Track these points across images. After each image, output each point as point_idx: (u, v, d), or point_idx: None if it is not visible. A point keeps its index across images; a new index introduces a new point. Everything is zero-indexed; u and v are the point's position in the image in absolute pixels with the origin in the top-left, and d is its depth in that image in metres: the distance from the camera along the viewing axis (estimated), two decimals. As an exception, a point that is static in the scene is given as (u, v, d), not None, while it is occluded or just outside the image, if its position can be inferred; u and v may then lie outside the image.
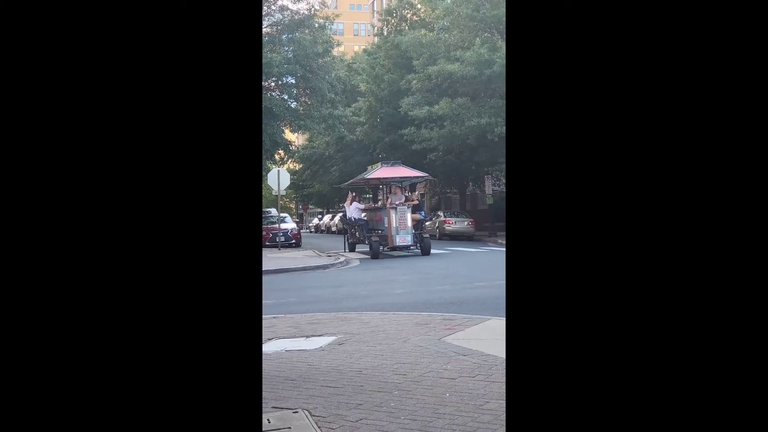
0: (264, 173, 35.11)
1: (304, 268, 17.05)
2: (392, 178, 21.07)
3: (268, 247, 27.61)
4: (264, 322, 8.06)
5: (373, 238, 19.84)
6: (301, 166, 59.36)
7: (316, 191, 58.99)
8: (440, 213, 31.81)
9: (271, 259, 20.99)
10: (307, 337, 7.00)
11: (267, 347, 6.50)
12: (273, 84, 29.66)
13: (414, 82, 32.02)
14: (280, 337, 7.02)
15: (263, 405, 3.56)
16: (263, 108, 29.47)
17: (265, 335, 7.13)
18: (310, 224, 64.28)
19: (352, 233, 22.56)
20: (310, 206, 72.73)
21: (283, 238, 28.02)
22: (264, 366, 5.65)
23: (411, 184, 29.00)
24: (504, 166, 25.77)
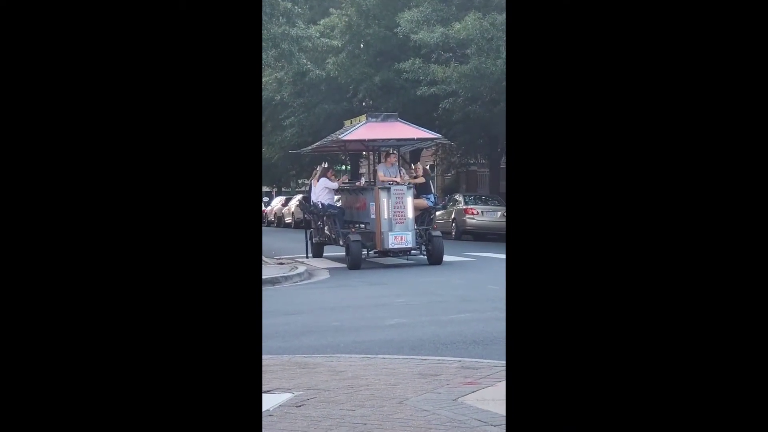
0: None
1: (240, 283, 17.20)
2: (384, 140, 21.08)
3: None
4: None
5: (352, 237, 19.92)
6: (236, 117, 59.71)
7: (262, 159, 59.25)
8: (459, 197, 31.59)
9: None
10: (247, 393, 7.12)
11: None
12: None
13: (421, -15, 32.16)
14: (203, 394, 7.16)
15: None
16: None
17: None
18: (251, 212, 64.54)
19: (318, 228, 22.66)
20: (251, 183, 72.93)
21: (206, 234, 28.10)
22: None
23: (413, 152, 28.97)
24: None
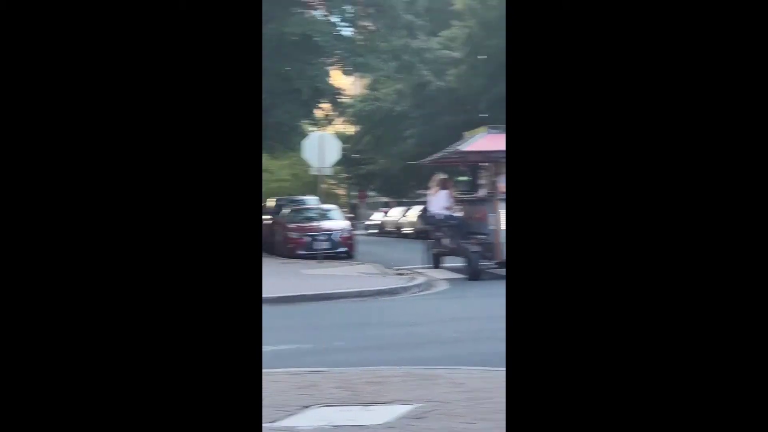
0: (299, 138, 35.65)
1: (359, 294, 17.24)
2: (503, 151, 20.89)
3: (302, 257, 27.88)
4: (297, 379, 8.17)
5: (473, 248, 19.82)
6: (357, 128, 59.74)
7: (381, 170, 59.31)
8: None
9: (306, 277, 21.27)
10: (366, 405, 7.10)
11: (303, 419, 6.64)
12: (316, -2, 29.94)
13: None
14: (323, 404, 7.16)
15: None
16: (298, 37, 29.71)
17: (299, 399, 7.23)
18: (370, 222, 64.75)
19: (437, 238, 22.62)
20: (370, 193, 73.28)
21: (326, 245, 28.23)
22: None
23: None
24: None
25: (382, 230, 56.43)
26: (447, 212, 21.50)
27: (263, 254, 30.84)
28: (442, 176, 22.70)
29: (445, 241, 21.88)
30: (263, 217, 36.55)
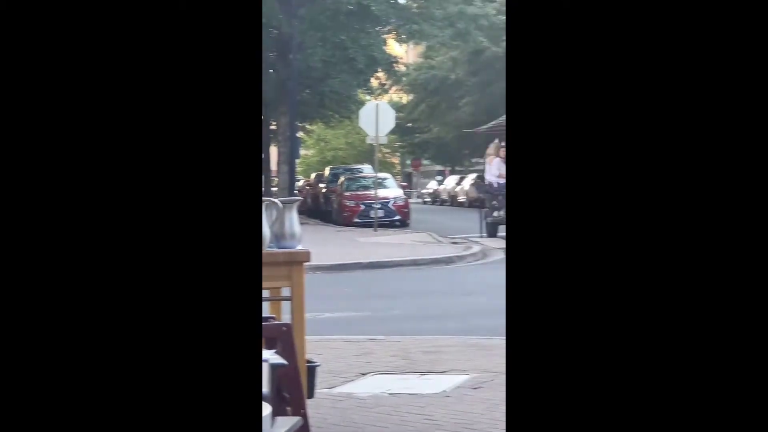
0: (354, 107, 35.62)
1: (414, 262, 17.24)
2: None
3: (357, 225, 28.00)
4: (354, 347, 8.20)
5: (528, 217, 19.67)
6: (411, 97, 59.64)
7: (435, 138, 59.16)
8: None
9: (362, 245, 21.29)
10: (423, 374, 7.09)
11: (360, 386, 6.65)
12: (371, -35, 29.79)
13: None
14: (380, 372, 7.16)
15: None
16: (354, 6, 29.64)
17: (356, 366, 7.26)
18: (425, 190, 64.73)
19: (493, 207, 22.53)
20: (425, 162, 73.13)
21: (381, 213, 28.23)
22: (354, 417, 5.77)
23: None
24: None
25: (437, 199, 56.36)
26: (502, 181, 21.36)
27: (319, 222, 31.15)
28: (498, 144, 22.57)
29: (501, 210, 21.78)
30: (319, 185, 36.76)
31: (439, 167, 71.03)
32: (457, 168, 63.13)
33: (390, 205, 29.09)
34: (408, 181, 69.43)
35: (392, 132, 32.58)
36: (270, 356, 3.56)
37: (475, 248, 19.46)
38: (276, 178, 34.21)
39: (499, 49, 35.36)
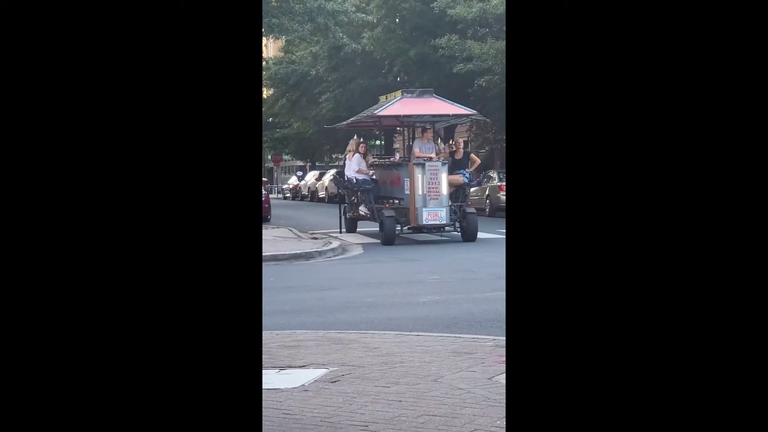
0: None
1: (274, 257, 17.22)
2: (419, 116, 21.02)
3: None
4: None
5: (386, 212, 19.89)
6: (271, 92, 59.25)
7: (295, 133, 59.03)
8: (493, 174, 31.50)
9: (221, 240, 21.16)
10: (281, 368, 7.13)
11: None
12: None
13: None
14: (237, 368, 7.14)
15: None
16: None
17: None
18: (285, 186, 64.60)
19: (352, 203, 22.66)
20: (285, 157, 73.03)
21: (241, 208, 28.15)
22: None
23: (448, 127, 28.90)
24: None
25: (297, 194, 56.34)
26: (362, 176, 21.51)
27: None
28: (357, 140, 22.70)
29: (360, 206, 21.93)
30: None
31: (299, 163, 71.05)
32: (318, 164, 63.21)
33: (250, 200, 28.91)
34: (268, 177, 69.26)
35: (252, 127, 32.25)
36: None
37: (335, 244, 19.57)
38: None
39: (359, 46, 35.52)
